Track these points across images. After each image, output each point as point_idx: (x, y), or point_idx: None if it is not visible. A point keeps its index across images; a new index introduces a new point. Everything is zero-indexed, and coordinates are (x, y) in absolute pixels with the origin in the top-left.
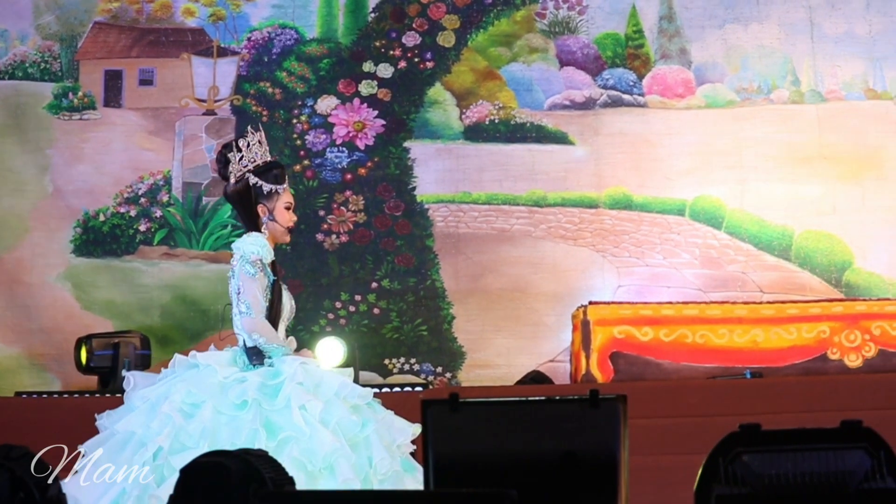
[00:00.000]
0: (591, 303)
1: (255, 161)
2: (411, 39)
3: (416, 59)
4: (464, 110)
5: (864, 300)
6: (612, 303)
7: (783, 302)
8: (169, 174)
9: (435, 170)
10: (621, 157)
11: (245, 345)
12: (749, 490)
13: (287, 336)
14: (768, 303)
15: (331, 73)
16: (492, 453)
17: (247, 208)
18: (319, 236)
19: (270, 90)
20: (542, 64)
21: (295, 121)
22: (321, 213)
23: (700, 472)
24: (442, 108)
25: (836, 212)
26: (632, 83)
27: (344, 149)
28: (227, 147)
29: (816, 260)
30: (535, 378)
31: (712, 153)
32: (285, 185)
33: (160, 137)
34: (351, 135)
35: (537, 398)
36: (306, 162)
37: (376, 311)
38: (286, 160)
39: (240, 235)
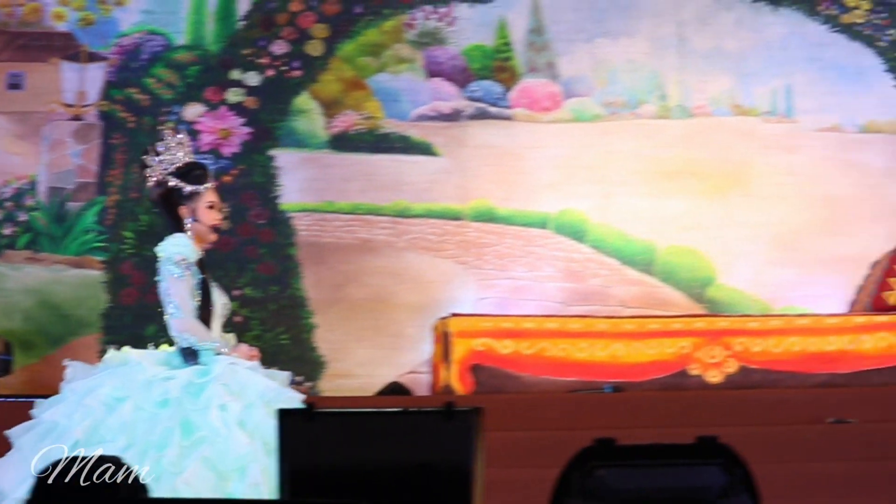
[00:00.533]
0: (452, 314)
1: (175, 163)
2: (279, 48)
3: (284, 68)
4: (330, 119)
5: (727, 316)
6: (474, 315)
7: (645, 317)
8: (35, 179)
9: (300, 178)
10: (486, 169)
11: (180, 345)
12: None
13: (228, 332)
14: (630, 317)
15: (199, 80)
16: (347, 465)
17: (169, 211)
18: None
19: (138, 96)
20: (409, 74)
21: (161, 127)
22: None
23: (554, 486)
24: (308, 117)
25: (700, 227)
26: (499, 95)
27: (209, 156)
28: (145, 151)
29: (679, 275)
30: (395, 389)
31: (578, 167)
32: (207, 185)
33: (27, 142)
34: (216, 142)
35: (393, 410)
36: None
37: (238, 318)
38: None
39: (101, 241)
